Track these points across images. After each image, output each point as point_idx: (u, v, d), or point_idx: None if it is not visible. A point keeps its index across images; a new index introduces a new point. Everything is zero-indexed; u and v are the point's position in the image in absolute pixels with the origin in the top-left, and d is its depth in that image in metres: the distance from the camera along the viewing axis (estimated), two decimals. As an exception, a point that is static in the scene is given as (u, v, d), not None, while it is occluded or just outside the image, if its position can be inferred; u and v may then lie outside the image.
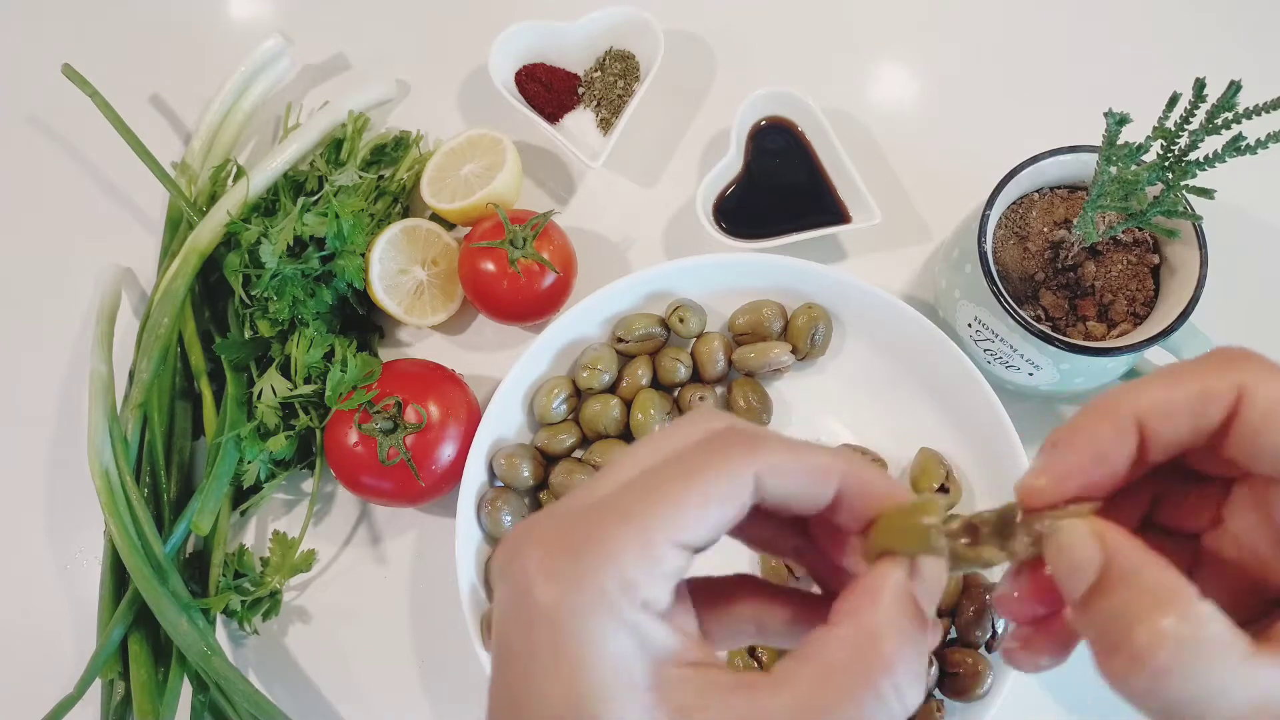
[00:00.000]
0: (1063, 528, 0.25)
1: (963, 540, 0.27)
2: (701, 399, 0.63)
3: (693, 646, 0.25)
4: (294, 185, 0.68)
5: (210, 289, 0.69)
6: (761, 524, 0.29)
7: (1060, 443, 0.27)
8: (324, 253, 0.63)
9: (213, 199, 0.69)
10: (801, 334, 0.63)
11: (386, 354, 0.69)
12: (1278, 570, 0.26)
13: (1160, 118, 0.50)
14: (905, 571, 0.26)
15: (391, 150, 0.71)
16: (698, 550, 0.25)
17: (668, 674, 0.24)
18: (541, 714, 0.23)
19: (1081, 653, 0.53)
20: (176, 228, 0.70)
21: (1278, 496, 0.26)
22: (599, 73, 0.73)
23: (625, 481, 0.26)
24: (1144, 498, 0.29)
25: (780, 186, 0.69)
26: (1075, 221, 0.57)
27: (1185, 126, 0.50)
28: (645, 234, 0.71)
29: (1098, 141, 0.53)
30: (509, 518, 0.60)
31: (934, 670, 0.57)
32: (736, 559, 0.59)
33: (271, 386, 0.62)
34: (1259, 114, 0.47)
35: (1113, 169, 0.52)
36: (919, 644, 0.25)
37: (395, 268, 0.66)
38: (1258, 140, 0.47)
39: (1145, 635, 0.22)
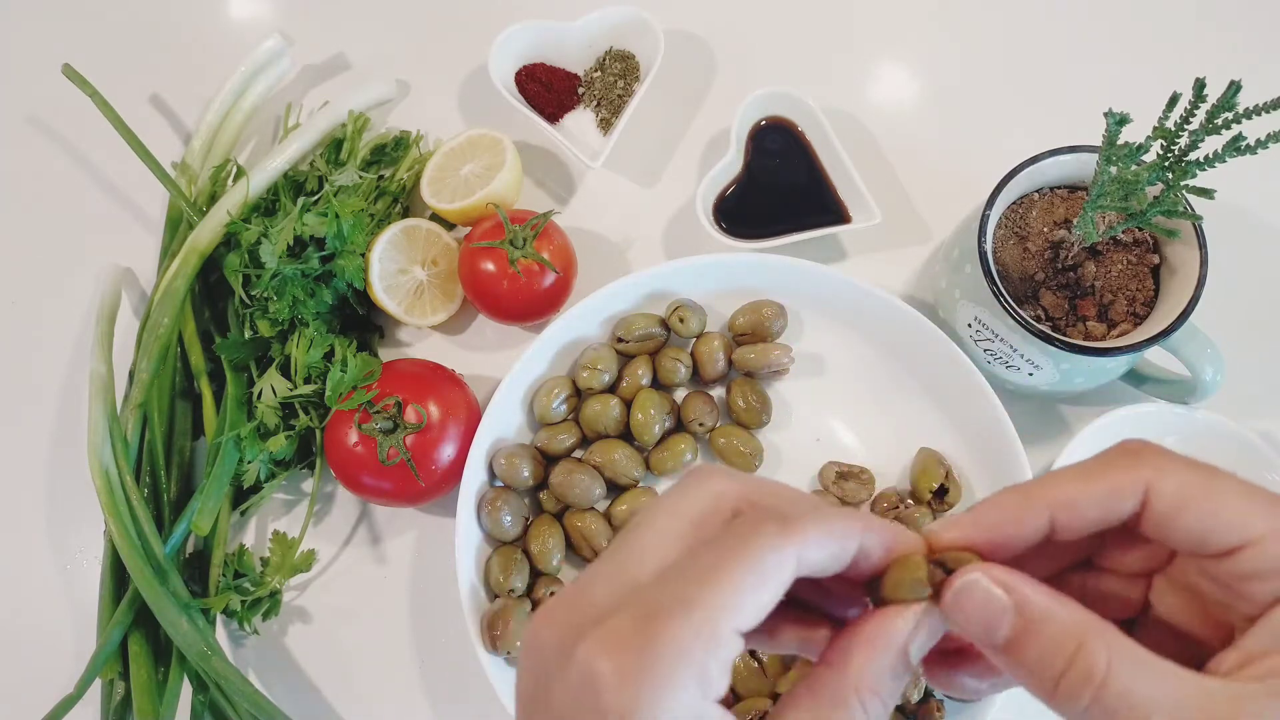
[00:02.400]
0: (969, 583, 0.27)
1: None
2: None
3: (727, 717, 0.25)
4: (294, 185, 0.68)
5: (210, 289, 0.69)
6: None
7: (975, 512, 0.28)
8: (324, 253, 0.63)
9: (213, 199, 0.69)
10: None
11: (386, 354, 0.69)
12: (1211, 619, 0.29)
13: (1160, 118, 0.50)
14: (906, 620, 0.27)
15: (391, 150, 0.71)
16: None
17: None
18: None
19: None
20: (176, 228, 0.70)
21: (1194, 570, 0.28)
22: (599, 73, 0.73)
23: (667, 565, 0.26)
24: (1074, 546, 0.31)
25: (780, 186, 0.69)
26: (1075, 221, 0.57)
27: (1185, 126, 0.50)
28: (645, 234, 0.71)
29: (1098, 141, 0.53)
30: (509, 518, 0.60)
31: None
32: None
33: (271, 386, 0.62)
34: (1259, 114, 0.47)
35: (1113, 169, 0.52)
36: (894, 695, 0.27)
37: (395, 268, 0.66)
38: (1258, 140, 0.47)
39: (1073, 677, 0.25)
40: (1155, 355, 0.60)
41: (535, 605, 0.60)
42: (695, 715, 0.24)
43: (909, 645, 0.27)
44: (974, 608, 0.26)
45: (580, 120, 0.74)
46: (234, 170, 0.69)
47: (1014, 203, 0.61)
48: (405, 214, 0.70)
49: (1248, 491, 0.27)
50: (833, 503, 0.62)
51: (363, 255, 0.64)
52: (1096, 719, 0.24)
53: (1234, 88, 0.47)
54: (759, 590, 0.25)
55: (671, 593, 0.25)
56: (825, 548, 0.27)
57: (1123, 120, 0.49)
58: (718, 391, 0.66)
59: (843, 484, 0.62)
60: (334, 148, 0.70)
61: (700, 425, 0.63)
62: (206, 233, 0.65)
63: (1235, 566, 0.26)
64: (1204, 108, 0.48)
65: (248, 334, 0.65)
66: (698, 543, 0.27)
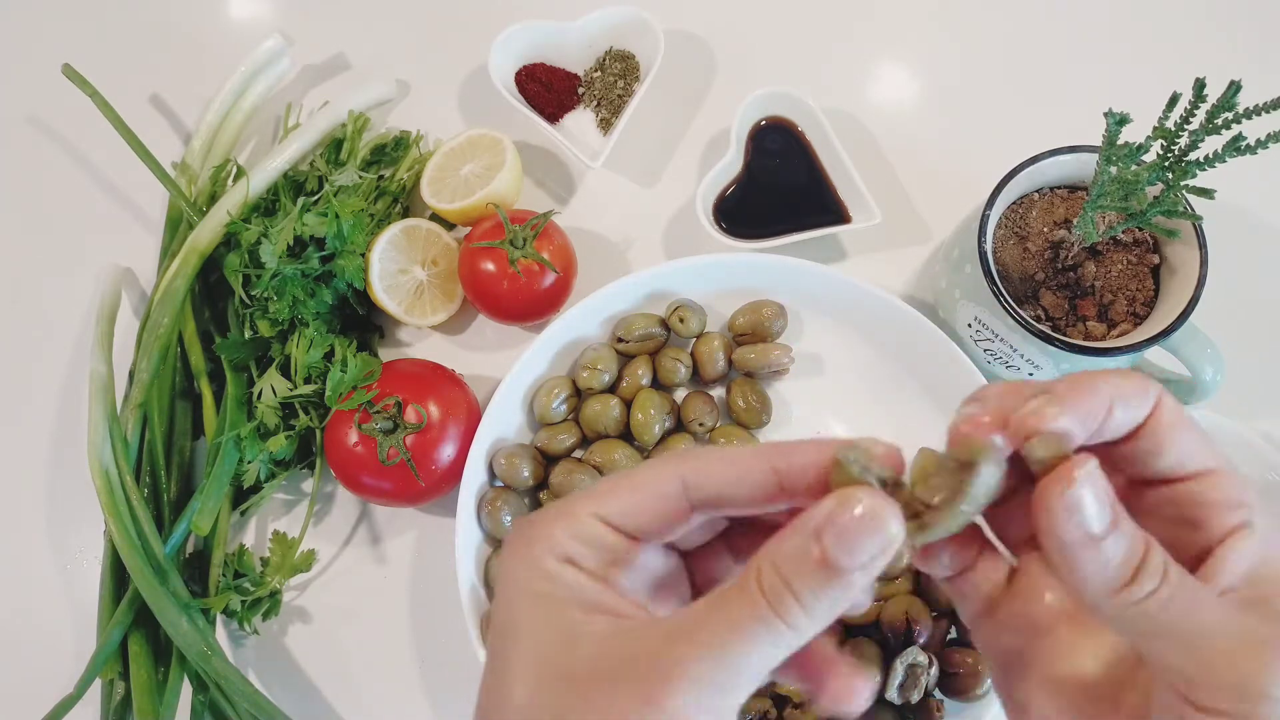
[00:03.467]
0: (1089, 471, 0.26)
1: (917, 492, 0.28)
2: (701, 425, 0.63)
3: (609, 595, 0.28)
4: (294, 185, 0.68)
5: (210, 289, 0.69)
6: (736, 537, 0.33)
7: (1068, 400, 0.27)
8: (324, 253, 0.63)
9: (213, 199, 0.69)
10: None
11: (386, 354, 0.69)
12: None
13: (1160, 118, 0.50)
14: (825, 511, 0.26)
15: (391, 150, 0.71)
16: (645, 538, 0.29)
17: (574, 590, 0.28)
18: (492, 640, 0.29)
19: None
20: (176, 228, 0.70)
21: (1162, 501, 0.28)
22: (599, 73, 0.73)
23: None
24: None
25: (780, 186, 0.69)
26: (1075, 221, 0.57)
27: (1185, 126, 0.50)
28: (645, 234, 0.71)
29: (1098, 141, 0.53)
30: (509, 518, 0.60)
31: (934, 670, 0.57)
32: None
33: (271, 386, 0.62)
34: (1259, 114, 0.47)
35: (1113, 169, 0.52)
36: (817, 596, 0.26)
37: (395, 268, 0.66)
38: (1258, 140, 0.47)
39: (1143, 574, 0.26)
40: (1155, 355, 0.60)
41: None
42: (546, 571, 0.28)
43: (824, 528, 0.26)
44: (1078, 496, 0.26)
45: (580, 120, 0.74)
46: (234, 170, 0.69)
47: (1014, 203, 0.61)
48: (405, 214, 0.70)
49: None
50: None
51: (363, 255, 0.64)
52: (1151, 612, 0.25)
53: (1234, 88, 0.47)
54: (633, 492, 0.29)
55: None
56: (715, 472, 0.29)
57: (1123, 120, 0.49)
58: (718, 391, 0.66)
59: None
60: (334, 148, 0.70)
61: (700, 425, 0.63)
62: (206, 233, 0.65)
63: (1200, 493, 0.27)
64: (1204, 108, 0.48)
65: (248, 334, 0.65)
66: None
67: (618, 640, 0.27)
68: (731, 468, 0.29)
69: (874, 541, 0.26)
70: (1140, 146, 0.50)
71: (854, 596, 0.26)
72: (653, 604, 0.30)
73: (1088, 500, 0.26)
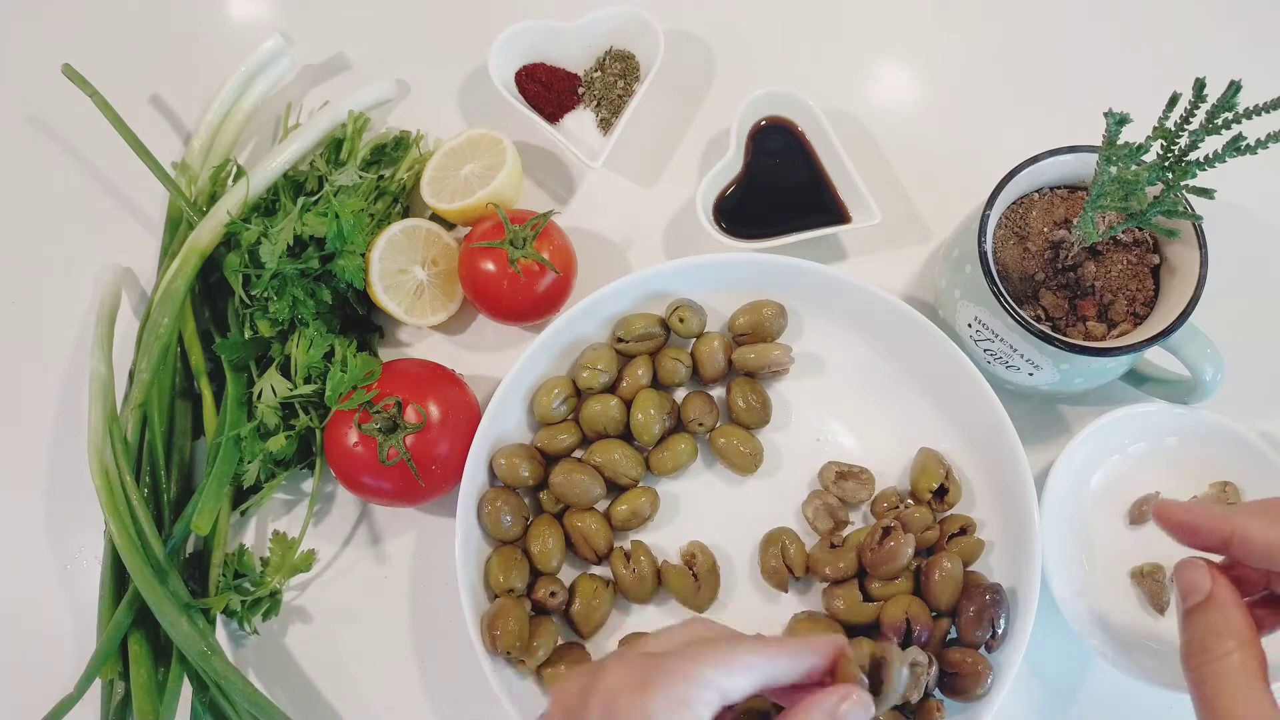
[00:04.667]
0: (1192, 561, 0.42)
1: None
2: (701, 425, 0.64)
3: None
4: (294, 185, 0.68)
5: (210, 289, 0.69)
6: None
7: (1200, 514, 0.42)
8: (324, 253, 0.63)
9: (213, 199, 0.69)
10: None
11: (386, 354, 0.69)
12: None
13: (1160, 118, 0.50)
14: (835, 698, 0.38)
15: (391, 150, 0.71)
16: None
17: None
18: None
19: (1083, 656, 0.54)
20: (176, 228, 0.70)
21: None
22: (599, 73, 0.73)
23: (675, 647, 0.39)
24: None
25: (780, 186, 0.69)
26: (1075, 221, 0.57)
27: (1185, 126, 0.50)
28: (645, 234, 0.71)
29: (1098, 141, 0.53)
30: (509, 518, 0.60)
31: (934, 670, 0.57)
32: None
33: (271, 386, 0.62)
34: (1259, 114, 0.47)
35: (1113, 169, 0.52)
36: None
37: (395, 268, 0.66)
38: (1258, 140, 0.47)
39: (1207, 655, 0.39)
40: (1155, 355, 0.60)
41: (535, 605, 0.60)
42: None
43: (838, 709, 0.37)
44: (1187, 574, 0.41)
45: (580, 120, 0.74)
46: (234, 170, 0.69)
47: (1014, 203, 0.61)
48: (405, 214, 0.70)
49: None
50: (832, 504, 0.62)
51: (363, 255, 0.64)
52: (1197, 685, 0.38)
53: (1234, 88, 0.47)
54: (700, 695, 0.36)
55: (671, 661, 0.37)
56: (745, 677, 0.37)
57: (1123, 120, 0.49)
58: (718, 391, 0.66)
59: (843, 484, 0.62)
60: (334, 148, 0.70)
61: (700, 425, 0.63)
62: (206, 233, 0.65)
63: None
64: (1204, 108, 0.48)
65: (248, 334, 0.65)
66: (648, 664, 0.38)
67: None
68: (753, 676, 0.38)
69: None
70: (1140, 146, 0.50)
71: None
72: None
73: None
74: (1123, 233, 0.59)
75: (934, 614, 0.58)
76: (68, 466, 0.68)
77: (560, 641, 0.60)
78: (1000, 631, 0.57)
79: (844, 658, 0.40)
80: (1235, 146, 0.47)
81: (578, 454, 0.64)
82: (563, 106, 0.73)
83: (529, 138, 0.73)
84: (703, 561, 0.61)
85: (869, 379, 0.65)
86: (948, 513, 0.62)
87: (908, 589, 0.59)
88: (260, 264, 0.62)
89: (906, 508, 0.61)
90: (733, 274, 0.64)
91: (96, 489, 0.60)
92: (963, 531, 0.60)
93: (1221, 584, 0.40)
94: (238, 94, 0.72)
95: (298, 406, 0.63)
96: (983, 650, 0.57)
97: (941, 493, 0.61)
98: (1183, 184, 0.51)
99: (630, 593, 0.61)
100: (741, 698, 0.37)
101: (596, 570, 0.62)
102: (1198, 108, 0.48)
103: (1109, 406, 0.62)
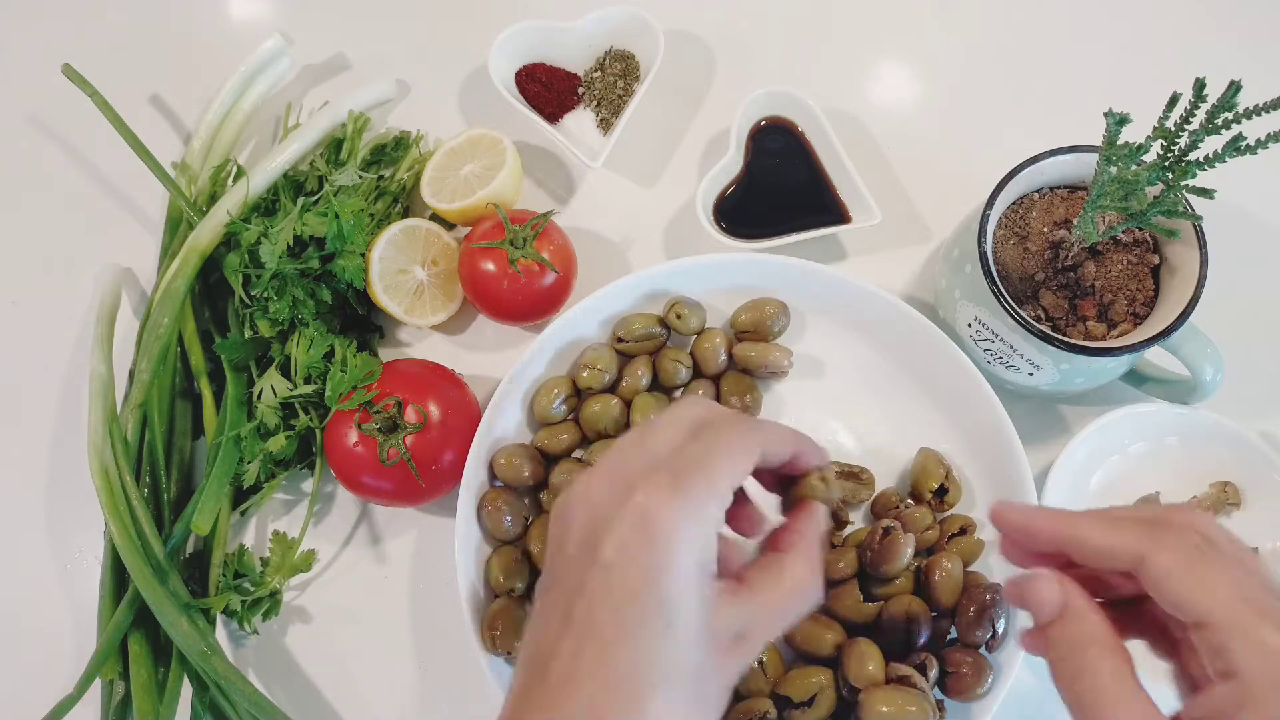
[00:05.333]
0: (1043, 576, 0.38)
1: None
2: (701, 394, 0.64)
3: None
4: (294, 185, 0.68)
5: (210, 289, 0.69)
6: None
7: (1017, 512, 0.41)
8: (324, 253, 0.63)
9: (213, 199, 0.69)
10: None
11: (386, 354, 0.69)
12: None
13: (1160, 118, 0.50)
14: (823, 515, 0.42)
15: (391, 150, 0.71)
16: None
17: (708, 572, 0.37)
18: (629, 579, 0.35)
19: None
20: (176, 228, 0.70)
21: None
22: (599, 73, 0.73)
23: (676, 447, 0.38)
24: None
25: (780, 186, 0.69)
26: (1075, 221, 0.57)
27: (1185, 126, 0.50)
28: (645, 234, 0.71)
29: (1098, 141, 0.53)
30: (509, 518, 0.60)
31: (934, 670, 0.57)
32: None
33: (271, 386, 0.62)
34: (1259, 114, 0.47)
35: (1113, 169, 0.52)
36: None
37: (395, 268, 0.66)
38: (1258, 140, 0.47)
39: (1075, 670, 0.37)
40: (1155, 355, 0.60)
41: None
42: (706, 535, 0.37)
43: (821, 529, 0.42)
44: (1037, 591, 0.38)
45: (580, 120, 0.74)
46: (234, 170, 0.69)
47: (1014, 203, 0.61)
48: (405, 214, 0.70)
49: (1225, 578, 0.34)
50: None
51: (363, 255, 0.64)
52: (1073, 700, 0.36)
53: (1234, 88, 0.47)
54: (736, 466, 0.38)
55: (687, 462, 0.37)
56: (775, 446, 0.40)
57: (1123, 120, 0.49)
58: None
59: (843, 484, 0.62)
60: (334, 148, 0.70)
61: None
62: (206, 233, 0.65)
63: (1198, 638, 0.34)
64: (1204, 108, 0.48)
65: (248, 334, 0.65)
66: (691, 437, 0.39)
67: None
68: (781, 445, 0.41)
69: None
70: (1140, 146, 0.50)
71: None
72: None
73: None
74: (1123, 233, 0.59)
75: (934, 614, 0.58)
76: (68, 466, 0.68)
77: (560, 641, 0.60)
78: (1000, 631, 0.57)
79: (806, 481, 0.43)
80: (1235, 146, 0.47)
81: (578, 454, 0.64)
82: (563, 106, 0.73)
83: (529, 138, 0.73)
84: (703, 561, 0.61)
85: (869, 379, 0.65)
86: (948, 513, 0.62)
87: (908, 589, 0.59)
88: (260, 264, 0.62)
89: (906, 508, 0.61)
90: (733, 274, 0.64)
91: (96, 489, 0.60)
92: (963, 531, 0.60)
93: (1074, 592, 0.37)
94: (238, 94, 0.72)
95: (298, 406, 0.63)
96: (983, 650, 0.57)
97: (941, 493, 0.61)
98: (1183, 184, 0.51)
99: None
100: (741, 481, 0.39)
101: (596, 570, 0.62)
102: (1198, 108, 0.48)
103: (1109, 406, 0.62)
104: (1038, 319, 0.59)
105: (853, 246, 0.70)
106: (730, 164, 0.68)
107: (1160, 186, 0.52)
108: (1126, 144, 0.51)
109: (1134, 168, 0.51)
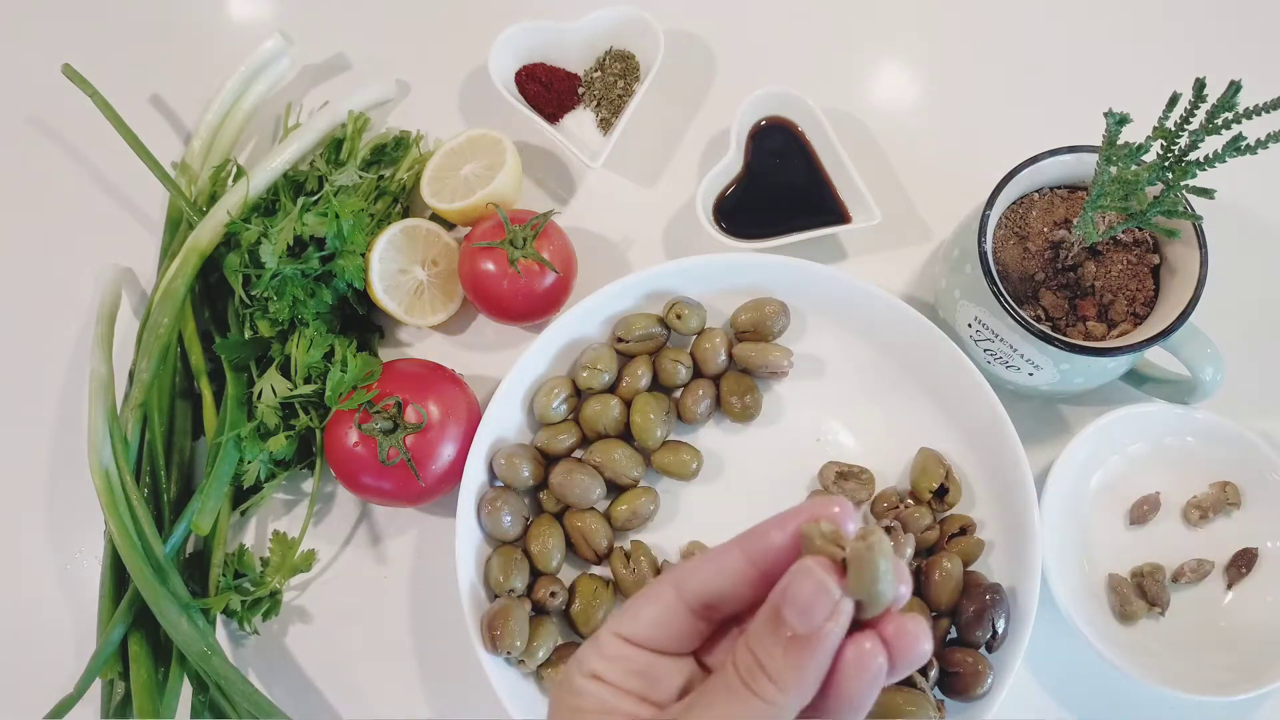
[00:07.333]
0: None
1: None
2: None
3: (627, 702, 0.32)
4: (294, 185, 0.68)
5: (210, 289, 0.69)
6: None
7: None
8: (324, 253, 0.63)
9: (213, 199, 0.69)
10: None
11: (386, 354, 0.69)
12: None
13: (1160, 118, 0.50)
14: (810, 584, 0.29)
15: (391, 150, 0.71)
16: (666, 649, 0.33)
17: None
18: None
19: (1083, 656, 0.53)
20: (176, 228, 0.70)
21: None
22: (599, 73, 0.73)
23: None
24: None
25: (780, 186, 0.69)
26: (1075, 221, 0.57)
27: (1185, 126, 0.50)
28: (645, 234, 0.71)
29: (1098, 141, 0.53)
30: (509, 518, 0.60)
31: (934, 670, 0.57)
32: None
33: (271, 386, 0.62)
34: (1259, 114, 0.47)
35: (1113, 169, 0.52)
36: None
37: (395, 268, 0.66)
38: (1258, 140, 0.47)
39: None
40: (1155, 355, 0.60)
41: (535, 605, 0.60)
42: (573, 688, 0.32)
43: (782, 603, 0.28)
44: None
45: (580, 120, 0.74)
46: (234, 170, 0.69)
47: (1014, 203, 0.61)
48: (405, 214, 0.70)
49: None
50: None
51: (363, 255, 0.64)
52: None
53: (1234, 88, 0.47)
54: (637, 612, 0.33)
55: None
56: (703, 573, 0.32)
57: (1123, 120, 0.49)
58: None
59: (843, 484, 0.62)
60: (334, 148, 0.70)
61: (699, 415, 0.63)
62: (206, 233, 0.65)
63: None
64: (1204, 108, 0.48)
65: (248, 334, 0.65)
66: None
67: None
68: (711, 563, 0.32)
69: (824, 604, 0.28)
70: (1140, 146, 0.50)
71: (822, 662, 0.28)
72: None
73: None
74: (1123, 233, 0.59)
75: (934, 614, 0.58)
76: (68, 466, 0.68)
77: (560, 641, 0.60)
78: (1000, 631, 0.57)
79: (804, 536, 0.29)
80: (1235, 146, 0.47)
81: (578, 454, 0.64)
82: (563, 106, 0.73)
83: (529, 138, 0.73)
84: (703, 561, 0.61)
85: (869, 379, 0.65)
86: (948, 513, 0.62)
87: (908, 589, 0.59)
88: (260, 264, 0.62)
89: (906, 508, 0.61)
90: (733, 274, 0.64)
91: (96, 489, 0.60)
92: (963, 531, 0.60)
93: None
94: (238, 94, 0.72)
95: (298, 406, 0.63)
96: (983, 650, 0.57)
97: (941, 493, 0.61)
98: (1183, 184, 0.51)
99: (630, 593, 0.61)
100: (657, 636, 0.33)
101: (596, 570, 0.62)
102: (1198, 108, 0.48)
103: (1109, 406, 0.62)
104: (1038, 319, 0.59)
105: (853, 246, 0.70)
106: (730, 164, 0.68)
107: (1160, 186, 0.52)
108: (1126, 144, 0.51)
109: (1134, 168, 0.51)
